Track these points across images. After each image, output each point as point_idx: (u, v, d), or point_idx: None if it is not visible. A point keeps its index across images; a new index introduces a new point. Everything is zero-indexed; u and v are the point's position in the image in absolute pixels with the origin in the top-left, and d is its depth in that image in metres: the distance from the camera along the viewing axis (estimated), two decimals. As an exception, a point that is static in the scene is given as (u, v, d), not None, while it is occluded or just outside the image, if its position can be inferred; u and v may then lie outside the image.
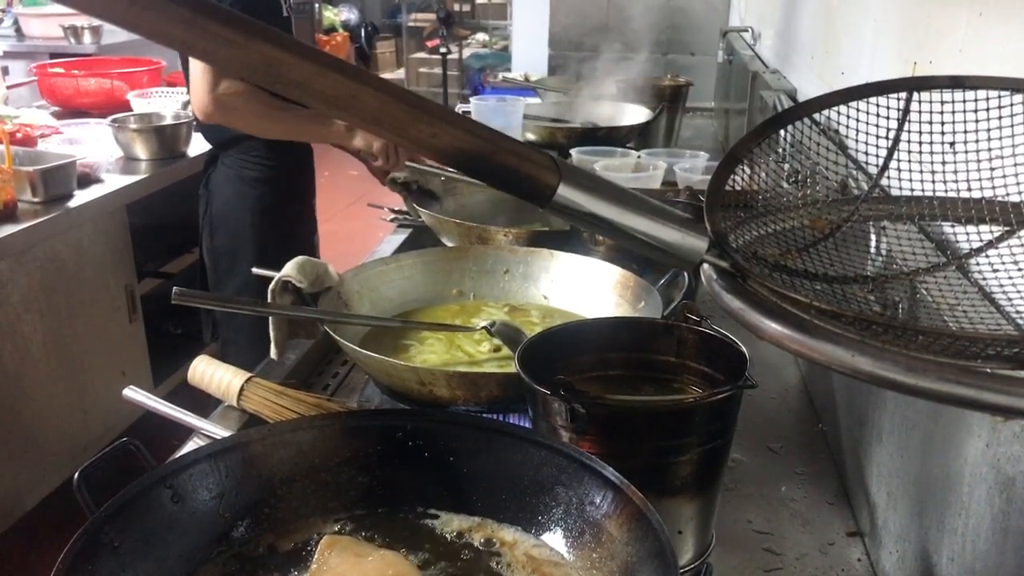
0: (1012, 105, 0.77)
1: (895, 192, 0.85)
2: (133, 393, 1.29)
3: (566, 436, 0.97)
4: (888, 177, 0.83)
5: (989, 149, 0.78)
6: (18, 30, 5.61)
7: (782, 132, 0.86)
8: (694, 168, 2.30)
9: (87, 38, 5.33)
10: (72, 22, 5.30)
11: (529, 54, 4.74)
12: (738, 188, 0.82)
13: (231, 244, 2.54)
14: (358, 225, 3.47)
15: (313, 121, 2.33)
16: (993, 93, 0.78)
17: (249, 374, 1.33)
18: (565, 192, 0.68)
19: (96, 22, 5.16)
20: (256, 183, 2.53)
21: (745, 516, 1.20)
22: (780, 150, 0.87)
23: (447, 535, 0.95)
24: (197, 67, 2.22)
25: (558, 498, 0.93)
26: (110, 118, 3.17)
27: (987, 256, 0.77)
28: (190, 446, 1.18)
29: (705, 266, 0.71)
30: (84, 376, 2.86)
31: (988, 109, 0.78)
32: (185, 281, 2.66)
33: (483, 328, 1.46)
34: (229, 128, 2.39)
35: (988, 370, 0.58)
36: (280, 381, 1.40)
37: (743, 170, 0.82)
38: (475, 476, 0.97)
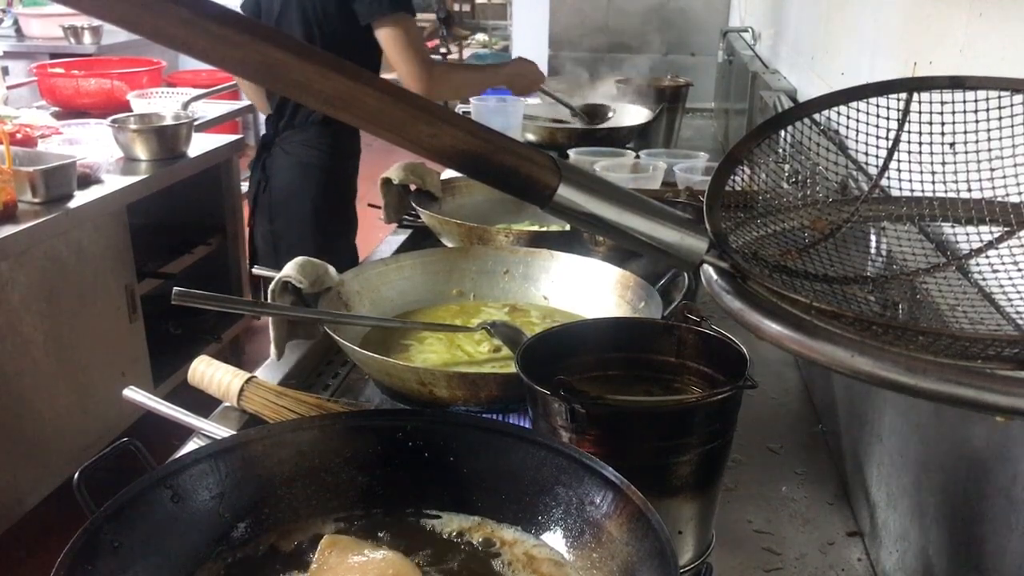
0: (1012, 105, 0.77)
1: (895, 192, 0.85)
2: (133, 393, 1.29)
3: (566, 436, 0.97)
4: (888, 177, 0.83)
5: (989, 149, 0.78)
6: (18, 30, 5.61)
7: (782, 132, 0.86)
8: (694, 168, 2.30)
9: (87, 38, 5.33)
10: (72, 22, 5.31)
11: (529, 54, 4.73)
12: (738, 188, 0.82)
13: (292, 226, 2.74)
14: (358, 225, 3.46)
15: (487, 72, 2.90)
16: (993, 93, 0.78)
17: (249, 374, 1.33)
18: (565, 192, 0.68)
19: (96, 22, 5.16)
20: (316, 169, 2.73)
21: (745, 516, 1.20)
22: (780, 150, 0.87)
23: (447, 535, 0.95)
24: (409, 50, 2.54)
25: (558, 498, 0.93)
26: (110, 118, 3.17)
27: (987, 256, 0.78)
28: (190, 446, 1.18)
29: (705, 266, 0.71)
30: (84, 376, 2.85)
31: (988, 109, 0.78)
32: (185, 281, 2.66)
33: (483, 328, 1.46)
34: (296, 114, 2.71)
35: (988, 370, 0.58)
36: (280, 381, 1.40)
37: (743, 170, 0.82)
38: (475, 476, 0.97)
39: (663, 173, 2.26)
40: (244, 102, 4.69)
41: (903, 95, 0.82)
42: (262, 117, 4.85)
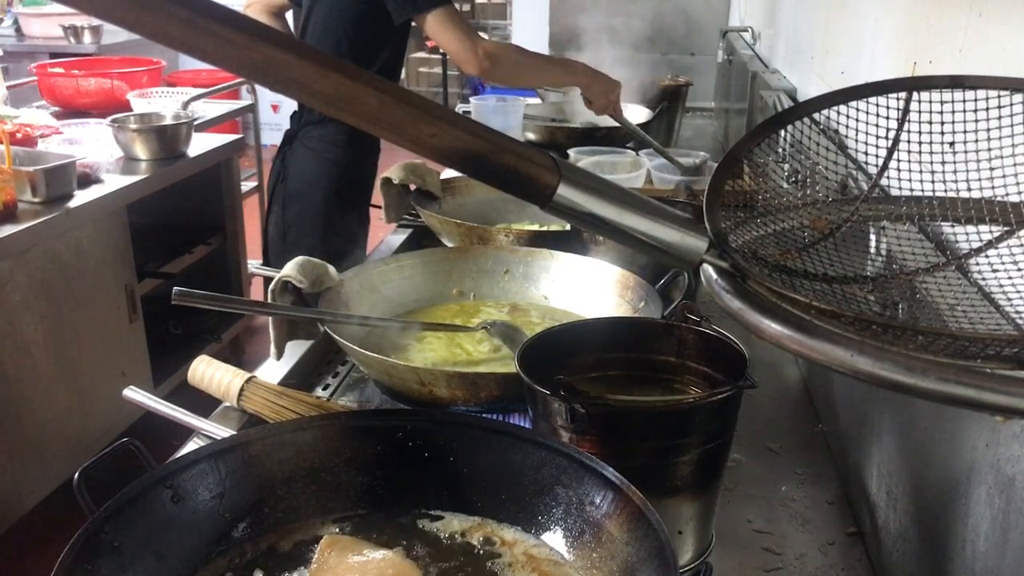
0: (1012, 105, 0.77)
1: (895, 192, 0.85)
2: (133, 393, 1.29)
3: (566, 436, 0.97)
4: (888, 177, 0.83)
5: (989, 149, 0.78)
6: (18, 30, 5.62)
7: (782, 132, 0.86)
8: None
9: (87, 38, 5.34)
10: (72, 22, 5.31)
11: (529, 54, 4.73)
12: (738, 188, 0.82)
13: (301, 218, 2.76)
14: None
15: (558, 65, 2.74)
16: (993, 93, 0.78)
17: (249, 374, 1.33)
18: (565, 192, 0.68)
19: (96, 22, 5.17)
20: (333, 165, 2.75)
21: (745, 516, 1.20)
22: (780, 150, 0.87)
23: (447, 535, 0.95)
24: (453, 37, 2.46)
25: (558, 498, 0.93)
26: (110, 118, 3.17)
27: (987, 256, 0.78)
28: (190, 446, 1.18)
29: (705, 266, 0.71)
30: (84, 376, 2.85)
31: (988, 109, 0.78)
32: (185, 281, 2.66)
33: (483, 328, 1.46)
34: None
35: (987, 370, 0.58)
36: (280, 381, 1.40)
37: (743, 170, 0.82)
38: (475, 476, 0.97)
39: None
40: (244, 102, 4.70)
41: (903, 94, 0.81)
42: (263, 117, 4.88)
